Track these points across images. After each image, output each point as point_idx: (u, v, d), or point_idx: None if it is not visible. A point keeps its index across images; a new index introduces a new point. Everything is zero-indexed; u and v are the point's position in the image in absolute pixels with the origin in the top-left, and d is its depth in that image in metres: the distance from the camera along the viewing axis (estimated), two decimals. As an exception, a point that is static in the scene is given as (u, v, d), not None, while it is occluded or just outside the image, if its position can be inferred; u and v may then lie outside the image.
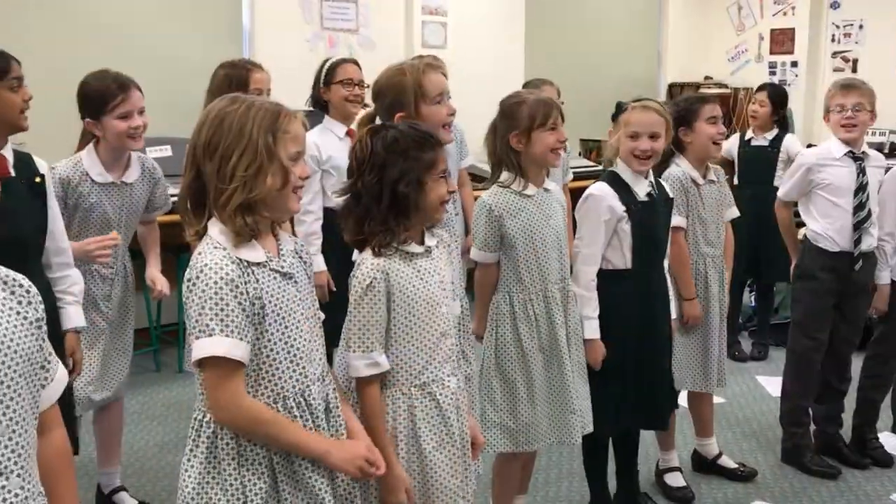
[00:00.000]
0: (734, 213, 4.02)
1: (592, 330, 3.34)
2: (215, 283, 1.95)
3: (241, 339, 1.97)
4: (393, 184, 2.33)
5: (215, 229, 2.03)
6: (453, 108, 2.89)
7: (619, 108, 3.40)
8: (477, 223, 3.14)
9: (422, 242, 2.43)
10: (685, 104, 3.86)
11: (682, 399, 4.19)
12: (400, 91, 2.81)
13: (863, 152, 4.07)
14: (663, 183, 3.57)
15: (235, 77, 3.95)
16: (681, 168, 3.80)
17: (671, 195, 3.57)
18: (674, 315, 3.66)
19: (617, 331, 3.38)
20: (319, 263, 4.00)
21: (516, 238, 3.11)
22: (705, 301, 3.85)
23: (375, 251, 2.34)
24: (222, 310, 1.95)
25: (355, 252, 2.46)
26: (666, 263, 3.56)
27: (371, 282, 2.30)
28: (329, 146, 4.06)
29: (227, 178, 1.99)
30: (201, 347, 1.96)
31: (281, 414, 2.06)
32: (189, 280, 1.99)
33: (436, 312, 2.40)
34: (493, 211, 3.10)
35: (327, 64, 4.24)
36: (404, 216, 2.35)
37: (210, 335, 1.95)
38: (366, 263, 2.33)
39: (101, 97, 3.34)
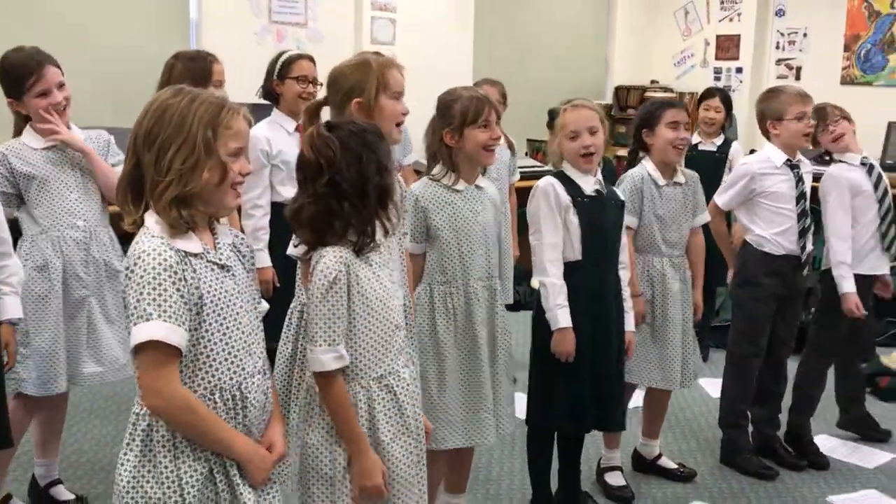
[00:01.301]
0: (704, 218, 4.06)
1: (566, 318, 3.36)
2: (153, 268, 1.95)
3: (179, 325, 1.96)
4: (375, 176, 2.34)
5: (151, 220, 2.02)
6: (407, 108, 2.91)
7: (553, 114, 3.44)
8: (406, 213, 3.14)
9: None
10: (650, 107, 3.95)
11: (638, 398, 4.23)
12: (362, 78, 2.79)
13: (798, 160, 4.14)
14: (615, 189, 3.60)
15: (198, 69, 3.89)
16: (644, 169, 3.87)
17: (622, 197, 3.60)
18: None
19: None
20: (265, 259, 4.00)
21: (440, 231, 3.13)
22: (663, 300, 3.89)
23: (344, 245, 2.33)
24: (160, 295, 1.94)
25: (292, 245, 2.46)
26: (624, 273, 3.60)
27: (336, 275, 2.30)
28: (279, 140, 4.06)
29: (163, 170, 1.99)
30: (139, 332, 1.94)
31: (218, 405, 2.06)
32: (127, 268, 1.97)
33: (389, 305, 2.42)
34: (418, 202, 3.13)
35: (283, 57, 4.24)
36: (366, 209, 2.35)
37: (148, 320, 1.93)
38: (328, 256, 2.31)
39: (17, 78, 3.31)
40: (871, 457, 4.49)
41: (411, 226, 3.14)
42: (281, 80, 4.19)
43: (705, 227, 4.16)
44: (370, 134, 2.38)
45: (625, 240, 3.60)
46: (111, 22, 6.03)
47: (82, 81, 5.79)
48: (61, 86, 3.38)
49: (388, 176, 2.37)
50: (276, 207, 3.97)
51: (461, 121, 3.10)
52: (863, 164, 4.31)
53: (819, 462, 4.35)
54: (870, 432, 4.69)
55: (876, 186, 4.29)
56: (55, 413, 3.66)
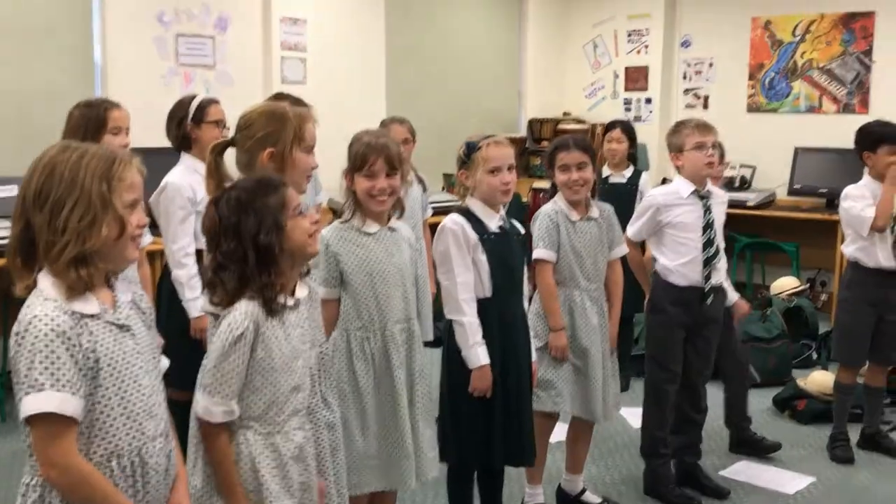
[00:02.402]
0: (622, 250, 4.09)
1: (484, 355, 3.36)
2: (45, 335, 1.87)
3: (73, 393, 1.89)
4: (253, 239, 2.31)
5: (46, 282, 1.94)
6: (316, 162, 2.89)
7: (472, 148, 3.43)
8: (318, 259, 3.11)
9: (293, 292, 2.41)
10: (550, 148, 4.01)
11: (561, 432, 4.20)
12: (278, 129, 2.77)
13: (707, 191, 4.18)
14: (514, 222, 3.60)
15: (92, 117, 3.81)
16: (556, 205, 3.91)
17: (522, 231, 3.61)
18: (534, 347, 3.70)
19: None
20: (202, 307, 3.89)
21: (353, 275, 3.12)
22: (584, 332, 3.89)
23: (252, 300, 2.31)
24: (53, 363, 1.87)
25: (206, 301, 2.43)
26: (529, 295, 3.60)
27: (243, 332, 2.28)
28: (200, 186, 3.95)
29: (58, 229, 1.91)
30: (31, 403, 1.87)
31: (115, 472, 1.98)
32: (17, 334, 1.89)
33: (292, 367, 2.40)
34: (329, 247, 3.10)
35: (196, 101, 4.15)
36: (274, 264, 2.33)
37: (40, 390, 1.86)
38: (239, 310, 2.30)
39: None
40: (791, 481, 4.54)
41: (323, 271, 3.11)
42: (196, 124, 4.10)
43: (623, 258, 4.21)
44: (255, 191, 2.35)
45: (529, 272, 3.62)
46: (11, 66, 5.86)
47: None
48: None
49: (272, 233, 2.31)
50: (199, 254, 3.89)
51: (351, 165, 3.13)
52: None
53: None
54: (759, 449, 4.83)
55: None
56: None
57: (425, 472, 3.26)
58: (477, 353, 3.36)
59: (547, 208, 3.93)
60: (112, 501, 1.96)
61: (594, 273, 3.95)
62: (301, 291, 2.45)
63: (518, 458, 3.62)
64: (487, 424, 3.42)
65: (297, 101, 4.34)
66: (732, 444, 4.90)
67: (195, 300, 3.86)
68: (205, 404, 2.30)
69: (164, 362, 2.20)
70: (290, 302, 2.39)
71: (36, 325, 1.88)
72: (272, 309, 2.32)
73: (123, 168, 2.00)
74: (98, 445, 1.97)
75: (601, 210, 4.00)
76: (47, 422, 1.88)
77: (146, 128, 4.21)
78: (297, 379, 2.41)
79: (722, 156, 5.04)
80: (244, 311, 2.29)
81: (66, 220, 1.91)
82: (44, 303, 1.91)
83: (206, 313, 2.49)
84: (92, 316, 1.96)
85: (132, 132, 3.99)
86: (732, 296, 4.54)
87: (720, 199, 4.26)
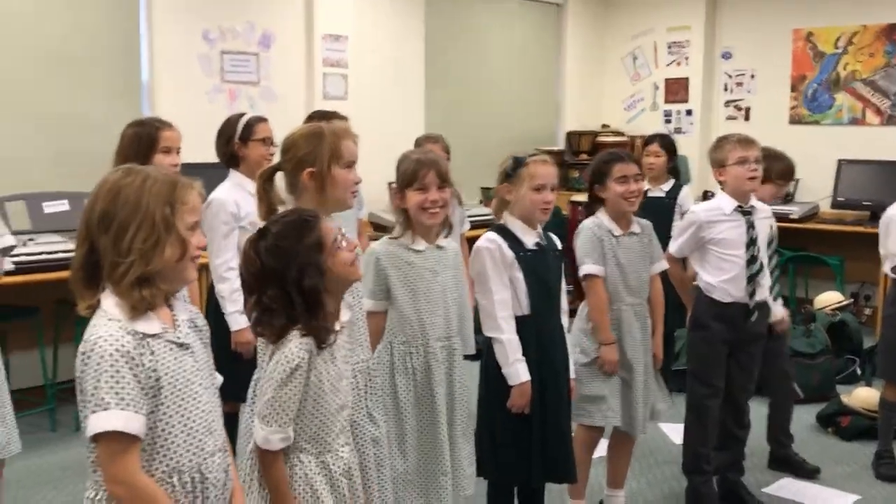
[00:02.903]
0: (662, 265, 4.09)
1: (525, 372, 3.36)
2: (111, 355, 1.93)
3: (137, 412, 1.95)
4: (297, 284, 2.34)
5: (109, 301, 2.00)
6: (359, 177, 2.92)
7: (519, 163, 3.43)
8: (366, 272, 3.17)
9: (338, 317, 2.45)
10: (599, 162, 3.99)
11: (602, 447, 4.19)
12: (315, 148, 2.81)
13: (751, 206, 4.16)
14: (552, 237, 3.61)
15: (144, 136, 3.88)
16: (598, 220, 3.91)
17: (559, 247, 3.62)
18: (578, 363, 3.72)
19: None
20: (243, 321, 3.96)
21: (398, 290, 3.18)
22: (631, 347, 3.90)
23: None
24: (118, 382, 1.92)
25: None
26: (565, 319, 3.60)
27: (299, 363, 2.33)
28: (245, 203, 4.02)
29: (123, 251, 1.97)
30: (97, 422, 1.93)
31: (177, 488, 2.03)
32: (83, 353, 1.95)
33: (338, 387, 2.45)
34: (379, 262, 3.19)
35: (244, 120, 4.22)
36: (321, 306, 2.37)
37: (106, 409, 1.92)
38: (293, 343, 2.34)
39: None
40: (837, 499, 4.49)
41: (371, 284, 3.16)
42: (243, 142, 4.17)
43: (664, 273, 4.20)
44: (292, 233, 2.38)
45: (569, 287, 3.61)
46: (60, 87, 5.98)
47: (31, 148, 5.81)
48: None
49: (315, 276, 2.35)
50: None
51: (402, 182, 3.20)
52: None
53: None
54: (798, 470, 4.75)
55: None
56: None
57: (463, 487, 3.30)
58: (517, 370, 3.36)
59: (589, 223, 3.92)
60: None
61: (638, 288, 3.95)
62: (344, 315, 2.50)
63: (559, 475, 3.62)
64: (527, 441, 3.43)
65: (333, 115, 4.39)
66: (772, 460, 4.85)
67: (237, 314, 3.94)
68: (264, 434, 2.34)
69: (219, 378, 2.25)
70: (338, 328, 2.43)
71: (101, 345, 1.94)
72: (324, 341, 2.37)
73: (185, 192, 2.07)
74: (160, 462, 2.03)
75: (642, 226, 4.00)
76: (113, 440, 1.93)
77: (192, 144, 4.26)
78: (343, 398, 2.46)
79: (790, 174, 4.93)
80: (298, 343, 2.34)
81: (130, 242, 1.97)
82: (108, 323, 1.97)
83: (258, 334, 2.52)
84: (154, 335, 2.02)
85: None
86: (778, 311, 4.51)
87: (764, 214, 4.23)
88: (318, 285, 2.35)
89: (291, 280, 2.34)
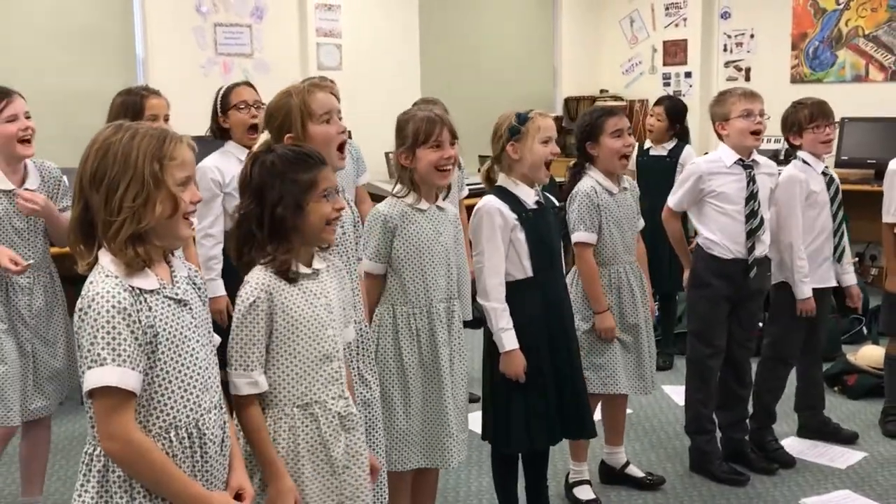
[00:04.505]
0: (641, 223, 4.05)
1: (511, 341, 3.34)
2: (107, 311, 1.93)
3: (133, 368, 1.95)
4: (271, 207, 2.35)
5: (106, 258, 2.00)
6: (342, 126, 2.84)
7: (524, 119, 3.38)
8: (370, 233, 3.14)
9: (310, 264, 2.43)
10: (590, 118, 3.89)
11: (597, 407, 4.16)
12: (287, 112, 2.77)
13: (752, 160, 4.09)
14: (548, 195, 3.56)
15: (130, 104, 3.90)
16: (592, 180, 3.83)
17: (557, 204, 3.58)
18: (581, 327, 3.71)
19: (529, 341, 3.38)
20: (218, 288, 4.00)
21: (405, 250, 3.13)
22: (632, 309, 3.88)
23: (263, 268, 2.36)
24: (114, 339, 1.93)
25: None
26: (572, 276, 3.56)
27: (254, 300, 2.32)
28: (230, 169, 4.03)
29: (115, 209, 1.98)
30: (93, 377, 1.93)
31: (174, 443, 2.03)
32: (80, 310, 1.96)
33: (320, 335, 2.42)
34: (388, 221, 3.12)
35: (221, 91, 4.25)
36: (285, 239, 2.37)
37: (102, 365, 1.92)
38: (251, 282, 2.35)
39: None
40: (842, 457, 4.45)
41: (375, 245, 3.14)
42: (224, 113, 4.19)
43: (661, 233, 4.20)
44: (290, 162, 2.38)
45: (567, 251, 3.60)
46: (57, 62, 6.01)
47: (30, 122, 5.75)
48: (28, 116, 3.49)
49: (290, 209, 2.35)
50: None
51: (413, 141, 3.12)
52: (824, 173, 4.28)
53: (785, 460, 4.32)
54: (831, 437, 4.63)
55: (833, 199, 4.28)
56: (33, 450, 3.76)
57: (464, 450, 3.29)
58: (502, 339, 3.34)
59: (585, 188, 3.83)
60: (167, 473, 2.00)
61: (632, 245, 3.94)
62: (318, 263, 2.47)
63: (578, 432, 3.62)
64: (541, 403, 3.40)
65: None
66: (802, 428, 4.69)
67: (211, 281, 3.94)
68: (232, 380, 2.34)
69: (216, 338, 2.25)
70: (307, 271, 2.41)
71: (98, 301, 1.93)
72: (287, 277, 2.36)
73: (174, 146, 2.05)
74: (157, 417, 2.03)
75: (629, 183, 3.98)
76: (108, 395, 1.94)
77: (187, 116, 4.28)
78: (326, 348, 2.43)
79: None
80: (255, 281, 2.34)
81: (121, 200, 1.97)
82: (105, 279, 1.97)
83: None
84: (151, 291, 2.02)
85: (174, 121, 4.04)
86: (850, 278, 4.48)
87: (767, 170, 4.15)
88: (289, 218, 2.34)
89: (269, 201, 2.34)
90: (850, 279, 4.47)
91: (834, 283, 4.44)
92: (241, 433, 2.37)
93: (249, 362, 2.33)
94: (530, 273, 3.40)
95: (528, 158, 3.39)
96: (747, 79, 8.72)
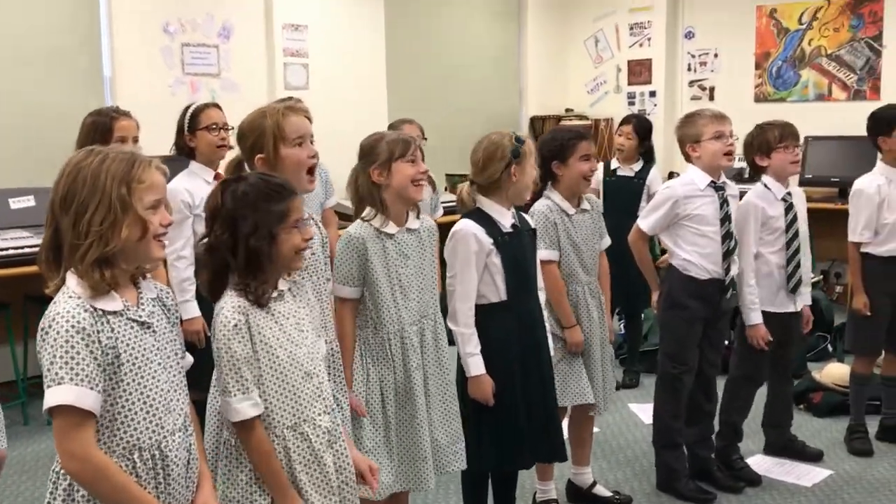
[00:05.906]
0: (607, 242, 4.06)
1: (477, 366, 3.34)
2: (66, 331, 1.94)
3: (92, 388, 1.95)
4: (245, 238, 2.34)
5: (73, 280, 2.01)
6: (314, 150, 2.85)
7: (522, 141, 3.40)
8: (342, 257, 3.11)
9: (275, 286, 2.44)
10: (561, 139, 3.89)
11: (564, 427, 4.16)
12: (260, 133, 2.78)
13: (723, 182, 4.12)
14: (525, 216, 3.58)
15: (100, 124, 3.93)
16: (550, 201, 3.85)
17: (533, 226, 3.59)
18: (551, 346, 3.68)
19: (500, 364, 3.38)
20: (192, 310, 4.00)
21: (376, 275, 3.11)
22: (588, 327, 3.89)
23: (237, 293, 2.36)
24: (72, 358, 1.94)
25: None
26: (542, 296, 3.57)
27: (237, 323, 2.32)
28: (199, 191, 4.02)
29: (82, 232, 1.99)
30: (51, 396, 1.94)
31: (137, 465, 2.04)
32: (42, 329, 1.98)
33: (296, 353, 2.42)
34: (362, 244, 3.10)
35: (190, 110, 4.23)
36: (259, 270, 2.37)
37: (59, 384, 1.93)
38: (227, 306, 2.34)
39: None
40: (808, 474, 4.47)
41: (345, 268, 3.11)
42: (192, 132, 4.17)
43: (628, 252, 4.20)
44: (262, 193, 2.38)
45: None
46: (24, 83, 5.97)
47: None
48: None
49: (264, 240, 2.35)
50: None
51: (388, 156, 3.10)
52: (784, 199, 4.29)
53: (751, 478, 4.34)
54: (797, 455, 4.65)
55: (789, 226, 4.28)
56: None
57: (445, 465, 3.27)
58: (468, 364, 3.34)
59: (541, 207, 3.84)
60: (128, 492, 2.00)
61: (592, 266, 3.95)
62: (282, 284, 2.47)
63: (549, 455, 3.61)
64: (511, 426, 3.40)
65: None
66: (769, 446, 4.69)
67: (185, 303, 3.93)
68: (233, 407, 2.32)
69: (188, 359, 2.25)
70: (273, 294, 2.41)
71: (58, 321, 1.95)
72: (260, 303, 2.36)
73: (143, 170, 2.06)
74: (120, 439, 2.04)
75: (591, 202, 3.99)
76: (67, 414, 1.94)
77: (156, 136, 4.29)
78: (305, 365, 2.43)
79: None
80: (231, 305, 2.34)
81: (88, 223, 1.98)
82: (67, 300, 1.98)
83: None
84: (114, 312, 2.02)
85: (142, 140, 4.08)
86: (804, 300, 4.43)
87: (731, 192, 4.18)
88: (263, 250, 2.34)
89: (242, 232, 2.34)
90: (805, 300, 4.44)
91: (790, 309, 4.37)
92: (249, 456, 2.36)
93: (246, 383, 2.32)
94: (504, 297, 3.40)
95: (522, 180, 3.41)
96: (711, 98, 8.80)
